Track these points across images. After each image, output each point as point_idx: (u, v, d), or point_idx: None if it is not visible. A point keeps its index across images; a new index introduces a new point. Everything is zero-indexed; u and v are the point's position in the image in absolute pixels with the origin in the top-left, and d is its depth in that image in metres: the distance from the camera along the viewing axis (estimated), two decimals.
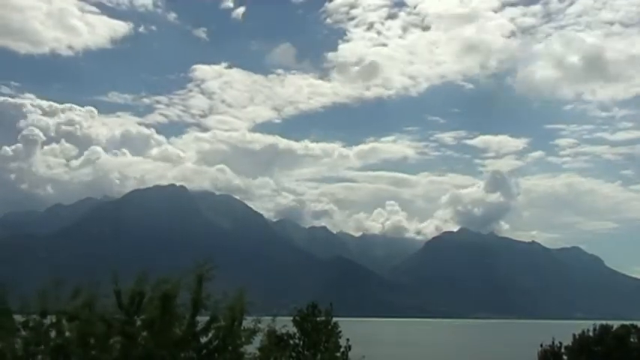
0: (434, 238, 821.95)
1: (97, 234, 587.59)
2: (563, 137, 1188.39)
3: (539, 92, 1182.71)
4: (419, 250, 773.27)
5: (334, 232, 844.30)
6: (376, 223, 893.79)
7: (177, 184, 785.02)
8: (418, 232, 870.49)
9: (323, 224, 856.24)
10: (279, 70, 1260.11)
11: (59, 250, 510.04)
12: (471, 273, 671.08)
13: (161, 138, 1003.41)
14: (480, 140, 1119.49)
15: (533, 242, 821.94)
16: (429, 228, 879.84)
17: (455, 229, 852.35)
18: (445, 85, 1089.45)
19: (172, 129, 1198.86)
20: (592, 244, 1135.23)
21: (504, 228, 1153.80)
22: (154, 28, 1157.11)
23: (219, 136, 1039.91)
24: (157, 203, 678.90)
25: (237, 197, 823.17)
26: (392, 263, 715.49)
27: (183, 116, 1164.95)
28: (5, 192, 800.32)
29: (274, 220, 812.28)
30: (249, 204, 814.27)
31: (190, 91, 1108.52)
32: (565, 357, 42.48)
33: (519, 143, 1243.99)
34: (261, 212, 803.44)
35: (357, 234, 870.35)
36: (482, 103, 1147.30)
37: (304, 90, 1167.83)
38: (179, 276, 20.66)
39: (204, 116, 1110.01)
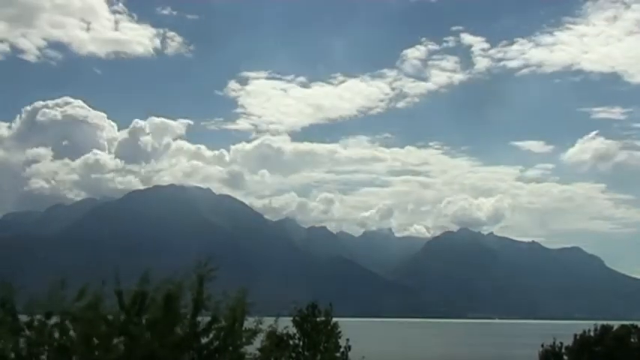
0: (434, 238, 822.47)
1: (97, 234, 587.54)
2: None
3: None
4: (419, 250, 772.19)
5: (334, 232, 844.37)
6: (376, 222, 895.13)
7: (177, 183, 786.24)
8: (418, 232, 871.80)
9: (323, 224, 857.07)
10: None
11: (59, 250, 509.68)
12: (471, 273, 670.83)
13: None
14: None
15: (533, 242, 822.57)
16: (429, 228, 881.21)
17: (455, 229, 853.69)
18: None
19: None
20: (592, 244, 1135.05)
21: (504, 228, 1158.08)
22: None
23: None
24: (157, 204, 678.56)
25: (238, 197, 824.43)
26: (392, 263, 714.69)
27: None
28: (5, 192, 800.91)
29: (274, 220, 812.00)
30: (249, 204, 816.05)
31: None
32: (566, 357, 42.51)
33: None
34: (261, 212, 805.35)
35: (357, 234, 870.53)
36: None
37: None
38: (181, 277, 20.71)
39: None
